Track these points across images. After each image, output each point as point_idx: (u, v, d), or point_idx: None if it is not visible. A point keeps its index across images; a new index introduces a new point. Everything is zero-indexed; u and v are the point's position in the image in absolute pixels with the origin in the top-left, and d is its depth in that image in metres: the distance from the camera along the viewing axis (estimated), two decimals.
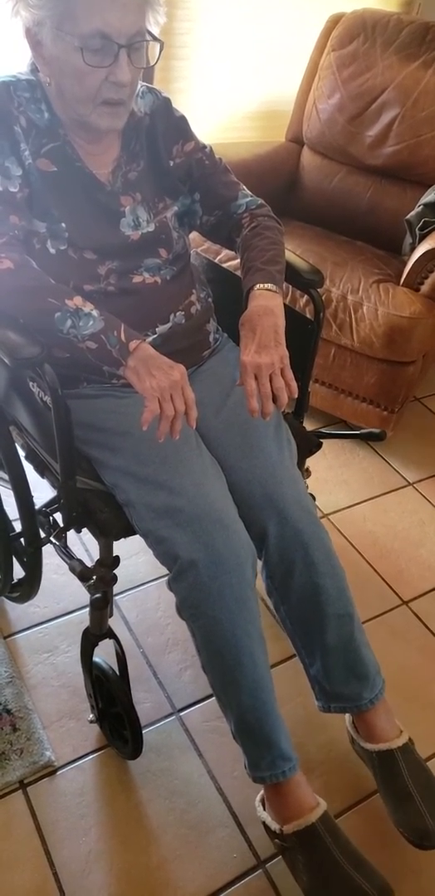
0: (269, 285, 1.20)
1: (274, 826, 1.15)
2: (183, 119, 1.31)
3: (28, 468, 1.26)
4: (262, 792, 1.19)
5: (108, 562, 1.22)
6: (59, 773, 1.31)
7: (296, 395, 1.16)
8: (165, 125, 1.28)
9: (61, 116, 1.18)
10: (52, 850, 1.21)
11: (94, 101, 1.12)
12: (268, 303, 1.18)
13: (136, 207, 1.24)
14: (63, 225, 1.17)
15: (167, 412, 1.05)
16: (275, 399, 1.13)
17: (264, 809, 1.18)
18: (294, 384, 1.14)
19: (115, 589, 1.29)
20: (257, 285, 1.20)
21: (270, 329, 1.15)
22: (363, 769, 1.29)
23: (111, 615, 1.28)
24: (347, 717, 1.31)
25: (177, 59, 2.36)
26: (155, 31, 1.14)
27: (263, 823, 1.18)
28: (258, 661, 1.13)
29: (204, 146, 1.34)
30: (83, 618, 1.54)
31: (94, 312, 1.10)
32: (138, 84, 1.20)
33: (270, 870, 1.21)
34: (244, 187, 1.36)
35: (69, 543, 1.29)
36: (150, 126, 1.27)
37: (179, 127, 1.30)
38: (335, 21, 2.40)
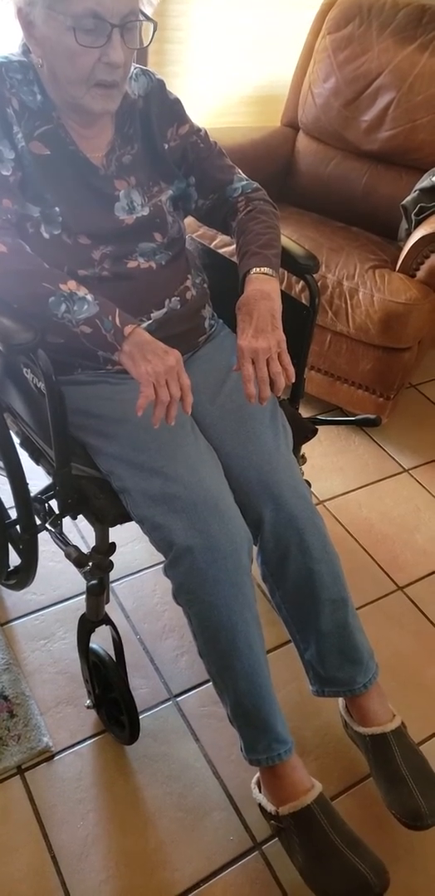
0: (265, 269, 1.19)
1: (270, 808, 1.16)
2: (177, 102, 1.30)
3: (23, 455, 1.26)
4: (257, 774, 1.20)
5: (104, 548, 1.22)
6: (56, 758, 1.32)
7: (293, 380, 1.16)
8: (160, 108, 1.27)
9: (54, 99, 1.17)
10: (51, 834, 1.22)
11: (87, 82, 1.11)
12: (264, 287, 1.17)
13: (131, 191, 1.23)
14: (57, 209, 1.16)
15: (162, 397, 1.05)
16: (272, 384, 1.13)
17: (260, 791, 1.20)
18: (291, 369, 1.14)
19: (112, 576, 1.29)
20: (254, 269, 1.20)
21: (267, 313, 1.14)
22: (357, 753, 1.30)
23: (108, 602, 1.28)
24: (341, 701, 1.32)
25: (171, 42, 2.33)
26: (148, 11, 1.14)
27: (259, 805, 1.19)
28: (254, 646, 1.13)
29: (199, 129, 1.33)
30: (80, 605, 1.54)
31: (89, 297, 1.09)
32: (132, 66, 1.19)
33: (267, 851, 1.23)
34: (239, 171, 1.35)
35: (65, 531, 1.29)
36: (144, 109, 1.26)
37: (174, 110, 1.29)
38: (331, 4, 2.37)
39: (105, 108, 1.15)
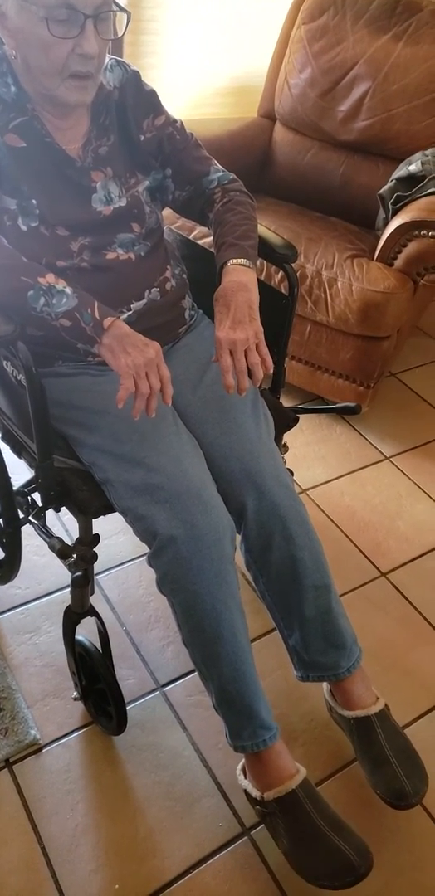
0: (242, 260, 1.20)
1: (255, 793, 1.17)
2: (153, 93, 1.30)
3: (5, 449, 1.25)
4: (242, 761, 1.21)
5: (88, 540, 1.22)
6: (44, 750, 1.32)
7: (271, 371, 1.16)
8: (135, 99, 1.27)
9: (28, 90, 1.16)
10: (40, 826, 1.22)
11: (61, 74, 1.11)
12: (241, 278, 1.18)
13: (108, 182, 1.23)
14: (34, 201, 1.16)
15: (142, 390, 1.05)
16: (250, 374, 1.14)
17: (245, 777, 1.21)
18: (269, 359, 1.15)
19: (97, 568, 1.30)
20: (230, 261, 1.20)
21: (245, 305, 1.15)
22: (343, 738, 1.32)
23: (92, 593, 1.29)
24: (325, 685, 1.34)
25: (146, 33, 2.33)
26: (122, 1, 1.13)
27: (245, 791, 1.20)
28: (238, 634, 1.14)
29: (175, 121, 1.33)
30: (65, 598, 1.54)
31: (68, 290, 1.09)
32: (106, 57, 1.18)
33: (255, 836, 1.24)
34: (216, 162, 1.36)
35: (49, 524, 1.29)
36: (120, 100, 1.25)
37: (149, 101, 1.29)
38: None
39: (80, 99, 1.15)
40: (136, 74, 1.28)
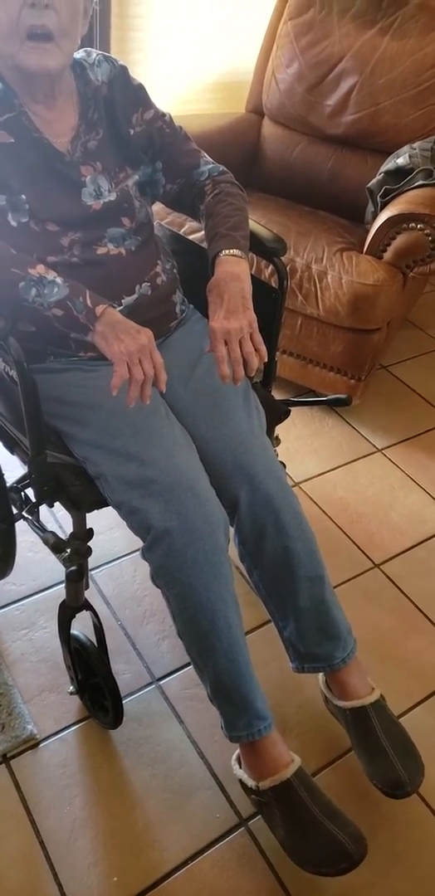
0: (234, 251, 1.20)
1: (250, 783, 1.18)
2: (141, 87, 1.30)
3: None
4: (237, 751, 1.22)
5: (82, 534, 1.22)
6: (41, 745, 1.32)
7: (266, 360, 1.17)
8: (124, 94, 1.27)
9: (5, 75, 1.15)
10: (38, 821, 1.22)
11: (18, 33, 1.09)
12: (234, 268, 1.19)
13: (97, 177, 1.23)
14: (23, 197, 1.16)
15: (136, 376, 1.06)
16: (245, 364, 1.14)
17: (240, 767, 1.21)
18: (263, 348, 1.15)
19: (91, 563, 1.30)
20: (223, 251, 1.21)
21: (238, 294, 1.16)
22: (338, 728, 1.32)
23: (87, 587, 1.29)
24: (321, 676, 1.34)
25: (133, 29, 2.32)
26: None
27: (240, 781, 1.21)
28: (233, 625, 1.15)
29: (163, 114, 1.33)
30: (60, 593, 1.53)
31: (58, 280, 1.09)
32: (79, 27, 1.15)
33: (252, 826, 1.24)
34: (206, 155, 1.36)
35: (44, 521, 1.29)
36: (108, 95, 1.26)
37: (138, 95, 1.30)
38: None
39: (41, 63, 1.12)
40: (124, 69, 1.29)
